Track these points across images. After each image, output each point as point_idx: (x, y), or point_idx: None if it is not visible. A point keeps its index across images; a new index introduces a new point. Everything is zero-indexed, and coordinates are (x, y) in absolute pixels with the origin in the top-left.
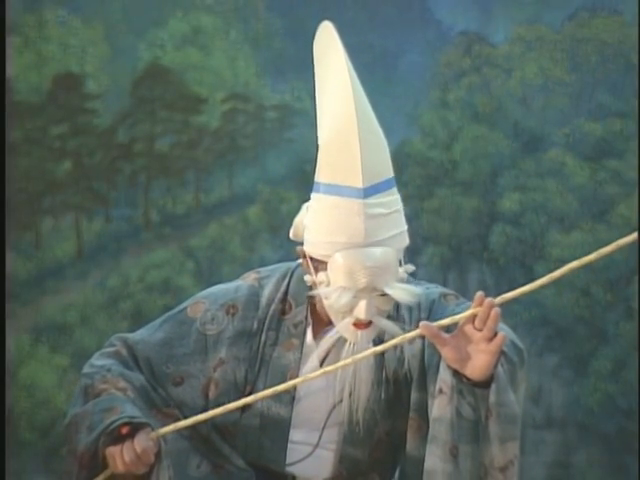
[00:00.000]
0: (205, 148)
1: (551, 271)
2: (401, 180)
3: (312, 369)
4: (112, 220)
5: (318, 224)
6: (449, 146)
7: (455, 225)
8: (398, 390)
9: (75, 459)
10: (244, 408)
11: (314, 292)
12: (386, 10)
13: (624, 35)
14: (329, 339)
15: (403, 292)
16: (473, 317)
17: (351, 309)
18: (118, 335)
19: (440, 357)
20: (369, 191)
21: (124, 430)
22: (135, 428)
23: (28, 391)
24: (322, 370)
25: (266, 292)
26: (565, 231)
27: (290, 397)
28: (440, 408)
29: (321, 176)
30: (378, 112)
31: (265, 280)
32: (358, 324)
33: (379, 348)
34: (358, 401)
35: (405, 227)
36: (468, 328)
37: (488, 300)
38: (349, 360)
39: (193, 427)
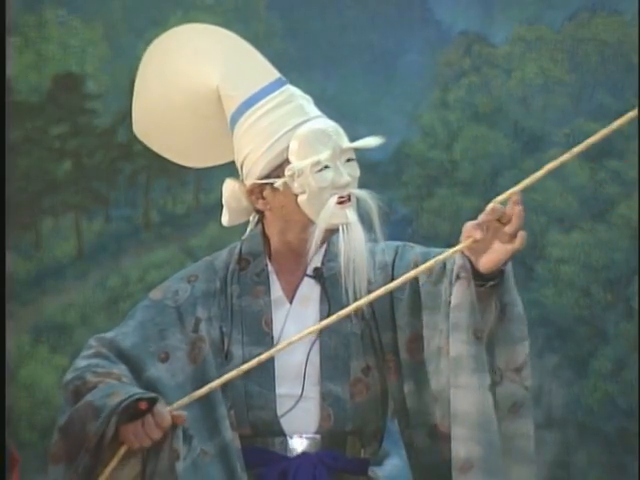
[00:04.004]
0: None
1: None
2: (401, 180)
3: (284, 312)
4: (112, 220)
5: (259, 135)
6: (449, 146)
7: (455, 225)
8: (367, 327)
9: (80, 451)
10: (228, 362)
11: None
12: (386, 10)
13: (624, 35)
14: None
15: (366, 141)
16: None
17: (331, 183)
18: (95, 336)
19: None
20: (284, 80)
21: (143, 405)
22: (151, 402)
23: (28, 391)
24: (307, 331)
25: (220, 259)
26: (565, 231)
27: (269, 338)
28: (459, 294)
29: (235, 101)
30: (378, 112)
31: (216, 255)
32: (342, 200)
33: (392, 285)
34: (330, 333)
35: None
36: (493, 223)
37: (515, 196)
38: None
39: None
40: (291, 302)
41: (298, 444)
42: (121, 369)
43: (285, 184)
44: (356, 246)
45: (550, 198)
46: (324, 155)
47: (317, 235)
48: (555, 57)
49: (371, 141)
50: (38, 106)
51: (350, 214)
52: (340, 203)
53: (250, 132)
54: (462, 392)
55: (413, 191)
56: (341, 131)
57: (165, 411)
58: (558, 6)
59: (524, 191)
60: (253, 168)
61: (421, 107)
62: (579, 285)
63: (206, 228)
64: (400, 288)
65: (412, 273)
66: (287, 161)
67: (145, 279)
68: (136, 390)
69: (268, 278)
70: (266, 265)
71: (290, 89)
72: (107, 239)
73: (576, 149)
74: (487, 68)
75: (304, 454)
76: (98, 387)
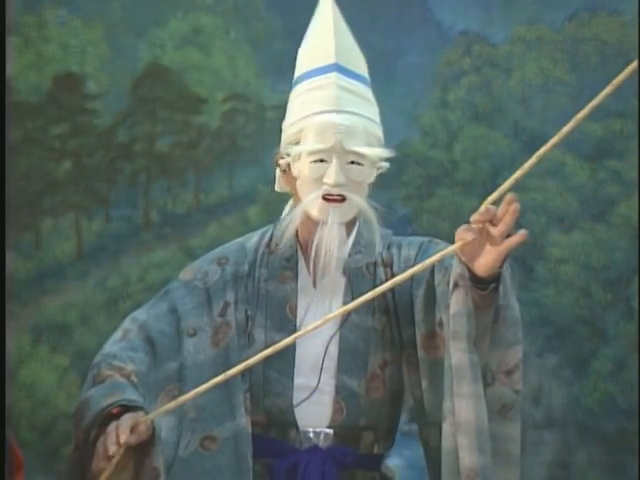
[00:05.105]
0: (205, 148)
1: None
2: (401, 180)
3: (309, 300)
4: (112, 220)
5: (291, 110)
6: (449, 146)
7: (455, 225)
8: (388, 322)
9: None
10: (250, 345)
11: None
12: (386, 10)
13: (624, 35)
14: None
15: (373, 150)
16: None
17: (321, 177)
18: (130, 316)
19: (429, 288)
20: (342, 69)
21: (114, 410)
22: (126, 410)
23: (28, 391)
24: (324, 318)
25: (251, 242)
26: (565, 231)
27: (292, 326)
28: (458, 302)
29: (296, 73)
30: (378, 112)
31: (248, 236)
32: (329, 197)
33: (399, 278)
34: (351, 326)
35: (380, 134)
36: (487, 225)
37: (509, 196)
38: (354, 303)
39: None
40: (315, 286)
41: (311, 437)
42: (136, 362)
43: (287, 165)
44: (329, 247)
45: (550, 198)
46: (317, 147)
47: (290, 218)
48: (555, 57)
49: (379, 152)
50: (38, 106)
51: (333, 214)
52: (328, 200)
53: (291, 105)
54: (465, 401)
55: (413, 191)
56: (360, 133)
57: (127, 423)
58: (558, 6)
59: (524, 191)
60: (281, 140)
61: (421, 107)
62: (579, 285)
63: (206, 228)
64: (417, 285)
65: (399, 277)
66: (298, 144)
67: (145, 279)
68: (128, 396)
69: (297, 264)
70: (296, 251)
71: (334, 77)
72: (107, 239)
73: (565, 128)
74: (487, 68)
75: (315, 448)
76: (105, 382)
